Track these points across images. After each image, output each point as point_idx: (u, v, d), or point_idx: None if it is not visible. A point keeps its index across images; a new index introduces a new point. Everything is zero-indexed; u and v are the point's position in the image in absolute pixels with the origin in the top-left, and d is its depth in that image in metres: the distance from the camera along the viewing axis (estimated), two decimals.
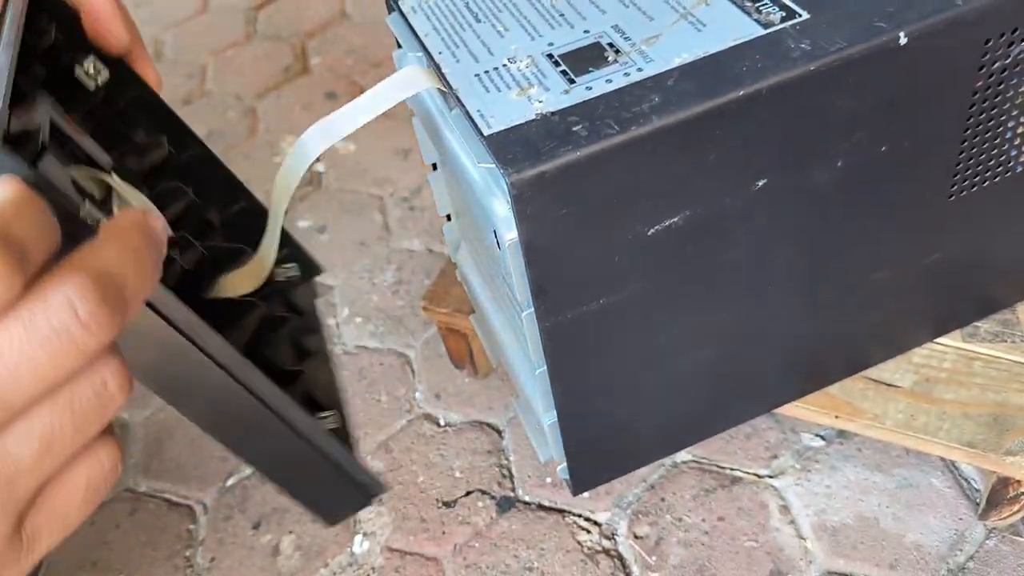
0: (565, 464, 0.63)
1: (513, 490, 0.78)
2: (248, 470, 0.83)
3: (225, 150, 1.19)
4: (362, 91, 0.48)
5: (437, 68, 0.52)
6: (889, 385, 0.68)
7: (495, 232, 0.48)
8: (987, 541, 0.68)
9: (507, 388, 0.86)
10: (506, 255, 0.48)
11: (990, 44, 0.50)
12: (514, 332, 0.65)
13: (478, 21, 0.55)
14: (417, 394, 0.87)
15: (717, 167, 0.49)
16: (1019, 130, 0.56)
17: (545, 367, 0.55)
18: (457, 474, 0.80)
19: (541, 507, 0.76)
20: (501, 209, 0.46)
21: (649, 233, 0.50)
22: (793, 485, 0.74)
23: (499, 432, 0.82)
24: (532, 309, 0.51)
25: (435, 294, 0.82)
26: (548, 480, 0.78)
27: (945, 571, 0.67)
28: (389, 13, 0.60)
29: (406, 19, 0.57)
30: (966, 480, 0.72)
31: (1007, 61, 0.52)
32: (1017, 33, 0.50)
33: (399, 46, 0.60)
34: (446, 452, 0.81)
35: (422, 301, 0.81)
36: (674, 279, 0.53)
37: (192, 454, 0.86)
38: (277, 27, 1.43)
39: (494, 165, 0.45)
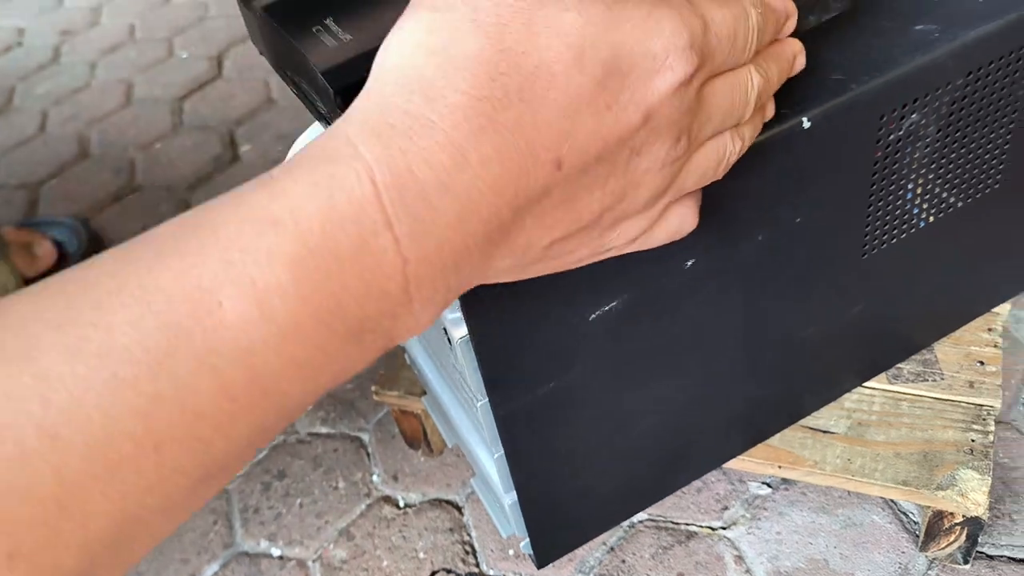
0: (528, 539, 0.65)
1: (477, 566, 0.79)
2: (209, 571, 0.83)
3: None
4: None
5: None
6: (825, 432, 0.72)
7: (445, 330, 0.50)
8: (929, 572, 0.72)
9: (464, 464, 0.87)
10: (457, 351, 0.50)
11: (884, 119, 0.55)
12: (468, 414, 0.67)
13: None
14: (374, 477, 0.88)
15: (648, 253, 0.52)
16: (918, 190, 0.61)
17: (503, 451, 0.57)
18: (421, 555, 0.81)
19: None
20: (450, 310, 0.49)
21: (591, 319, 0.53)
22: (745, 535, 0.77)
23: (459, 509, 0.84)
24: (486, 399, 0.53)
25: (385, 378, 0.83)
26: (511, 552, 0.80)
27: None
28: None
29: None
30: (905, 514, 0.76)
31: (900, 133, 0.57)
32: (907, 108, 0.55)
33: None
34: (408, 534, 0.83)
35: (373, 386, 0.83)
36: (618, 357, 0.56)
37: (152, 559, 0.85)
38: (204, 116, 1.44)
39: None
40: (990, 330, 0.77)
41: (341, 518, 0.85)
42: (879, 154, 0.57)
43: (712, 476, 0.81)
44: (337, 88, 0.48)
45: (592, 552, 0.78)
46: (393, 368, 0.83)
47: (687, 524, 0.78)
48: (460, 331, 0.49)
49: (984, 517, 0.66)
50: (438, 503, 0.85)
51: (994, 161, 0.63)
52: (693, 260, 0.54)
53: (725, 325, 0.60)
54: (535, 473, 0.59)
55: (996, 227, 0.69)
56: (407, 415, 0.85)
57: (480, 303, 0.48)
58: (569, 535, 0.68)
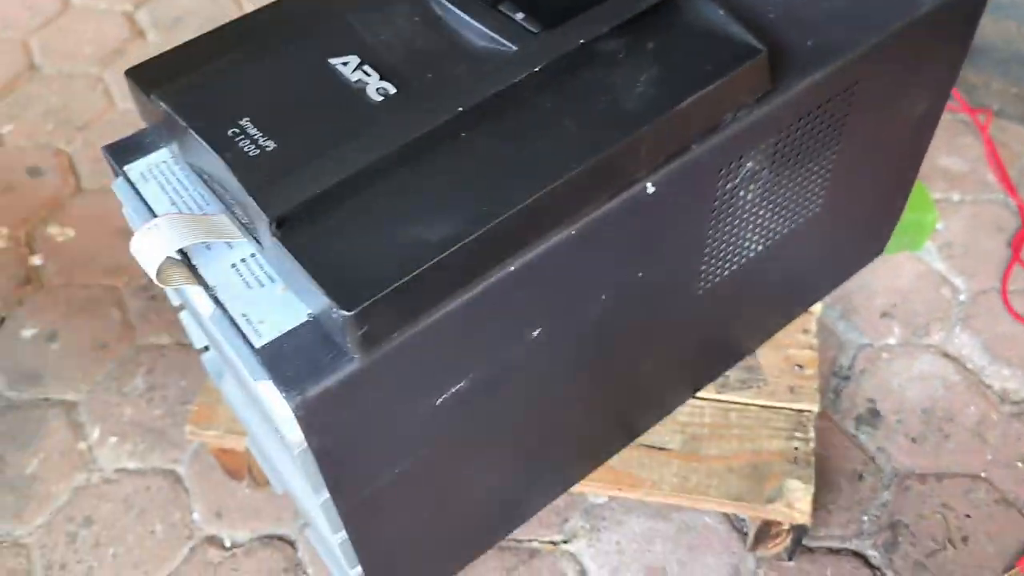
0: None
1: None
2: None
3: None
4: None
5: (186, 260, 0.48)
6: (661, 449, 0.73)
7: (283, 438, 0.45)
8: (758, 570, 0.76)
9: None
10: (297, 460, 0.46)
11: (723, 172, 0.54)
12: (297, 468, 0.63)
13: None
14: (195, 515, 0.82)
15: (494, 334, 0.49)
16: (749, 226, 0.61)
17: (345, 534, 0.53)
18: None
19: None
20: (287, 422, 0.44)
21: (437, 403, 0.49)
22: (586, 548, 0.77)
23: (292, 545, 0.80)
24: (328, 496, 0.49)
25: (201, 414, 0.77)
26: None
27: None
28: (115, 176, 0.55)
29: (136, 190, 0.52)
30: (734, 515, 0.79)
31: (736, 180, 0.56)
32: (742, 159, 0.55)
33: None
34: None
35: (188, 425, 0.76)
36: (465, 433, 0.54)
37: None
38: None
39: (274, 384, 0.42)
40: (806, 331, 0.80)
41: (161, 567, 0.79)
42: (716, 202, 0.56)
43: None
44: (274, 217, 0.42)
45: None
46: (209, 403, 0.77)
47: (529, 541, 0.78)
48: (300, 443, 0.45)
49: (808, 523, 0.70)
50: (269, 540, 0.80)
51: (818, 188, 0.64)
52: (538, 330, 0.52)
53: (568, 378, 0.59)
54: (380, 543, 0.56)
55: (813, 241, 0.71)
56: (228, 452, 0.79)
57: (320, 417, 0.43)
58: None
